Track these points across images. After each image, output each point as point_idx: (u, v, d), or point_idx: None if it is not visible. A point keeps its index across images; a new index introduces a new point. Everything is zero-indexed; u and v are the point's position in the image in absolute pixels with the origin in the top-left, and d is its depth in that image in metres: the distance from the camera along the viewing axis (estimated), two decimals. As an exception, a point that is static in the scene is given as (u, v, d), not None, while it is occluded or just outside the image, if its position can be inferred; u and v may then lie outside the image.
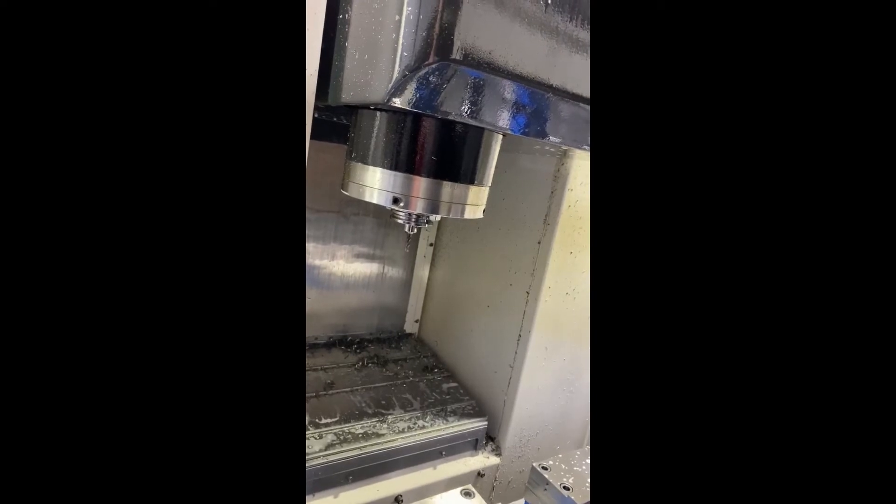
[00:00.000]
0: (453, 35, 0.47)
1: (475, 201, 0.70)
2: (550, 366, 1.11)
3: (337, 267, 1.32)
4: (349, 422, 1.00)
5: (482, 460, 1.10)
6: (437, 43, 0.47)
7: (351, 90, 0.57)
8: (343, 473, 0.92)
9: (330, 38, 0.58)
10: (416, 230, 0.75)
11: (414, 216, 0.72)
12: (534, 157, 1.05)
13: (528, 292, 1.06)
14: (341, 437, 0.95)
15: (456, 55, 0.48)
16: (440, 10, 0.46)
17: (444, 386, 1.22)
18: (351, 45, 0.56)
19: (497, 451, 1.12)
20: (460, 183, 0.67)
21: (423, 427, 1.03)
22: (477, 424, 1.10)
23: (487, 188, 0.72)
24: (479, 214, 0.73)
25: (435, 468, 1.04)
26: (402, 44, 0.48)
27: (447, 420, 1.08)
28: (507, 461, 1.13)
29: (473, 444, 1.10)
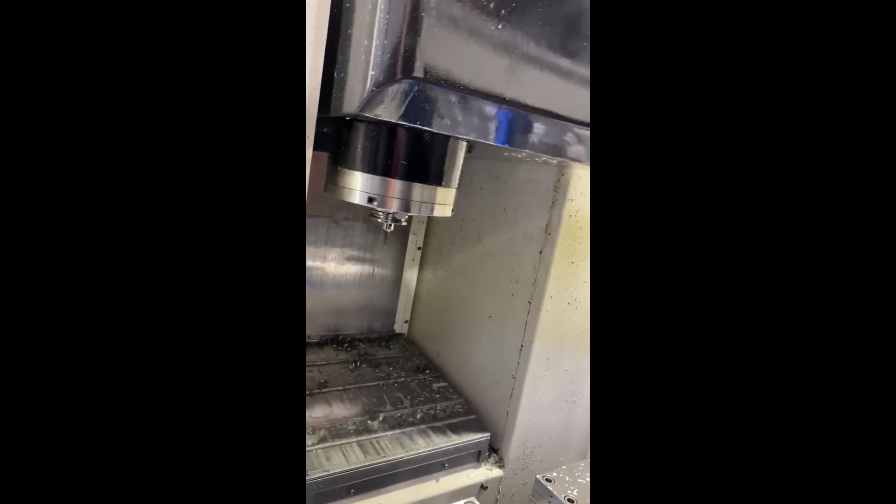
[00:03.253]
0: (415, 56, 0.55)
1: (443, 201, 0.79)
2: (553, 376, 1.11)
3: (329, 268, 1.37)
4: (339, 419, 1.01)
5: (485, 472, 1.09)
6: (402, 63, 0.55)
7: (332, 104, 0.62)
8: (344, 486, 0.91)
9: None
10: (391, 227, 0.83)
11: (390, 215, 0.80)
12: (534, 167, 1.06)
13: (529, 302, 1.06)
14: (333, 433, 0.95)
15: (417, 73, 0.56)
16: (403, 34, 0.54)
17: (435, 385, 1.25)
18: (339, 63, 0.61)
19: (500, 463, 1.11)
20: (429, 185, 0.76)
21: (414, 423, 1.05)
22: (479, 436, 1.09)
23: (454, 189, 0.81)
24: (448, 213, 0.82)
25: (437, 481, 1.03)
26: (373, 63, 0.55)
27: (447, 435, 1.07)
28: (511, 473, 1.12)
29: (476, 455, 1.09)
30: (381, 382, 1.22)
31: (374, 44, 0.54)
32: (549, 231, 1.02)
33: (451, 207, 0.82)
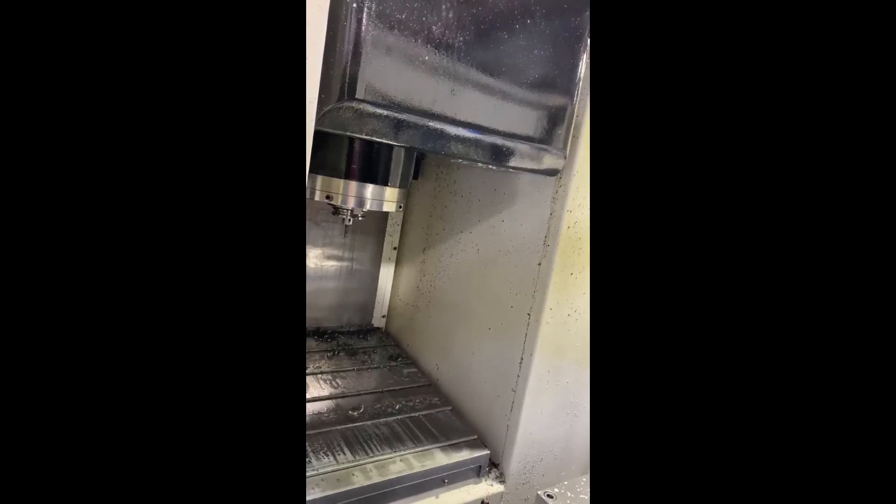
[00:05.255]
0: (357, 81, 0.67)
1: (390, 198, 0.97)
2: (553, 389, 1.09)
3: (310, 266, 1.49)
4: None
5: (486, 488, 1.07)
6: (348, 87, 0.67)
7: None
8: (343, 504, 0.89)
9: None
10: (350, 221, 1.00)
11: (349, 210, 0.96)
12: (532, 179, 1.06)
13: (529, 314, 1.05)
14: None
15: (359, 95, 0.67)
16: (348, 63, 0.66)
17: (405, 371, 1.39)
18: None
19: (501, 479, 1.10)
20: (378, 185, 0.94)
21: (393, 413, 1.05)
22: (480, 451, 1.08)
23: (397, 189, 0.97)
24: (394, 209, 0.99)
25: (437, 497, 1.01)
26: (323, 87, 0.65)
27: (447, 452, 1.05)
28: (512, 488, 1.10)
29: (476, 471, 1.07)
30: (356, 368, 1.35)
31: (325, 71, 0.64)
32: (548, 242, 1.02)
33: (396, 204, 0.98)
